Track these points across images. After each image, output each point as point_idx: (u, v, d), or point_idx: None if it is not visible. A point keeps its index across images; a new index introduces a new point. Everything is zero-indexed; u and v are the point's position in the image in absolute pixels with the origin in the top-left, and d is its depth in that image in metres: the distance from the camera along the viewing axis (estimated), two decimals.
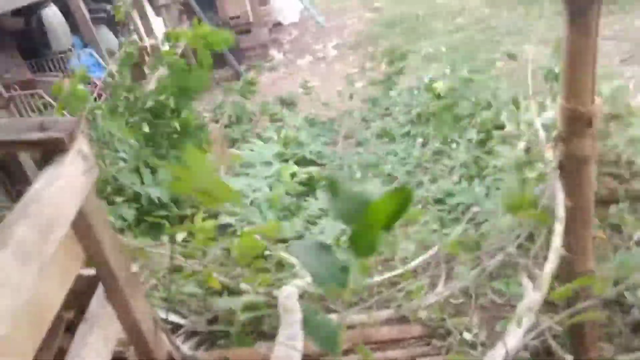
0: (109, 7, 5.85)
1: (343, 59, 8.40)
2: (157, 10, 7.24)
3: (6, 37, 4.57)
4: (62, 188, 1.16)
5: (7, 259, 0.98)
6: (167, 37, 4.06)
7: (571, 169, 1.87)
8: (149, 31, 6.76)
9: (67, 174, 1.19)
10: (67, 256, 1.28)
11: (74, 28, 5.09)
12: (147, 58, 5.99)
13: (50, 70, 4.75)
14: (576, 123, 1.79)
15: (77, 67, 4.71)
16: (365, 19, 9.96)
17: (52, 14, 4.88)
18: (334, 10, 10.94)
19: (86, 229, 1.30)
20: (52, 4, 4.84)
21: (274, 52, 9.08)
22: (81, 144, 1.20)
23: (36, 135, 1.20)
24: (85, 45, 5.13)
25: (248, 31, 9.15)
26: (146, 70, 5.64)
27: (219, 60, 8.40)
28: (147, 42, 6.26)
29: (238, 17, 9.00)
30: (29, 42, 4.84)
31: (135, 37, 5.82)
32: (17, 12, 4.62)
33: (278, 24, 10.33)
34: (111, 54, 5.26)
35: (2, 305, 0.95)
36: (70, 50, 4.99)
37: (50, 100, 4.38)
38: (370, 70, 7.71)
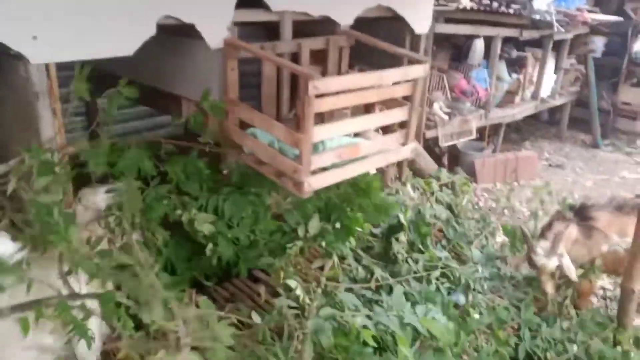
0: (514, 53, 8.74)
1: None
2: (557, 70, 9.58)
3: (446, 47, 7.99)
4: None
5: None
6: None
7: None
8: (539, 84, 9.20)
9: None
10: None
11: (486, 55, 8.21)
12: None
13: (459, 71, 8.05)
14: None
15: (474, 77, 7.87)
16: None
17: (479, 43, 8.09)
18: None
19: None
20: (482, 38, 8.02)
21: None
22: None
23: None
24: (486, 67, 8.21)
25: (633, 118, 10.56)
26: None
27: (584, 123, 10.23)
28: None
29: (629, 104, 10.48)
30: (459, 52, 8.24)
31: (518, 77, 8.54)
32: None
33: None
34: (498, 79, 8.21)
35: None
36: (477, 66, 8.16)
37: (446, 84, 7.64)
38: None
